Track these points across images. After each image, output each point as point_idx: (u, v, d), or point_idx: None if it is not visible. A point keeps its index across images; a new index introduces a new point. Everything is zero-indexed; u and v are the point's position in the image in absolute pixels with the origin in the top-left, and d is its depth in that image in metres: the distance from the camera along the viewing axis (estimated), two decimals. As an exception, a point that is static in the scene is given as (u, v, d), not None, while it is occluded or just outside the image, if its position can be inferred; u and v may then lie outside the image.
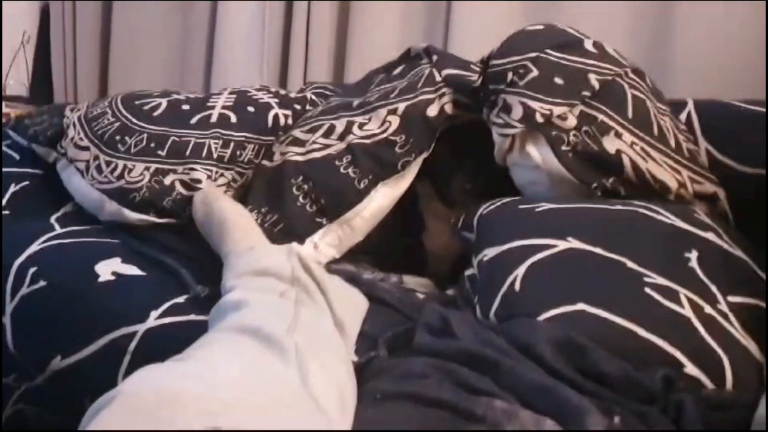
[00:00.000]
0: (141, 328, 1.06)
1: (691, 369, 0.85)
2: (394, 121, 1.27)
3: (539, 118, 1.15)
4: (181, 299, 1.10)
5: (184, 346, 0.76)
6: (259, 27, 2.19)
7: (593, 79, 1.18)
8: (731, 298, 0.93)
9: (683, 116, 1.33)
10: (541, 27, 1.28)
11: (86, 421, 0.58)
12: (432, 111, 1.27)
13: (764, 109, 1.29)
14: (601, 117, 1.16)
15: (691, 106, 1.36)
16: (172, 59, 2.40)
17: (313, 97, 1.50)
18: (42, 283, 1.17)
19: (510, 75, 1.19)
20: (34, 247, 1.24)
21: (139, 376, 0.62)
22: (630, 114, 1.17)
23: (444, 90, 1.29)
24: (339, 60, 2.16)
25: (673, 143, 1.19)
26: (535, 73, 1.18)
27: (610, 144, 1.14)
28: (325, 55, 2.13)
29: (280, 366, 0.69)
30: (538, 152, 1.15)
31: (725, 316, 0.91)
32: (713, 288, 0.94)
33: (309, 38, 2.13)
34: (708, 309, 0.90)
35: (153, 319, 1.06)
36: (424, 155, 1.28)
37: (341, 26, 2.15)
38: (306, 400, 0.65)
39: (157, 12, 2.40)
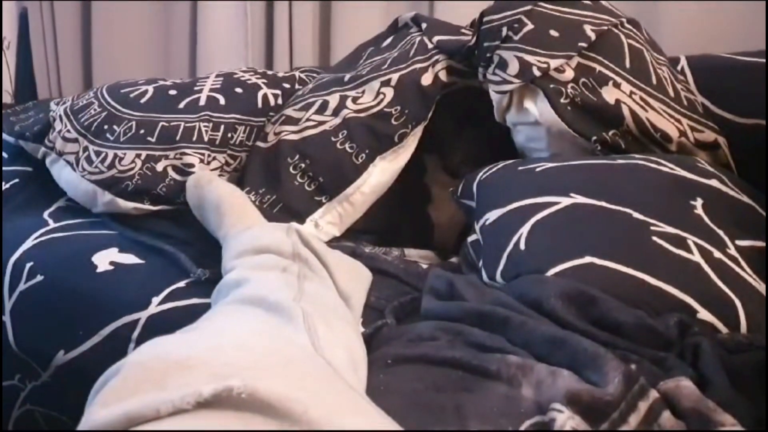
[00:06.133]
0: (143, 315, 1.04)
1: (704, 314, 0.84)
2: (388, 93, 1.25)
3: (536, 72, 1.13)
4: (181, 284, 1.08)
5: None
6: (241, 26, 2.17)
7: (589, 29, 1.16)
8: (740, 242, 0.92)
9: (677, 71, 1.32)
10: (534, -20, 1.27)
11: (94, 393, 0.57)
12: (426, 79, 1.25)
13: (757, 59, 1.28)
14: (598, 68, 1.14)
15: (684, 61, 1.35)
16: (155, 56, 2.37)
17: (302, 76, 1.48)
18: (39, 277, 1.15)
19: (504, 30, 1.18)
20: (29, 243, 1.22)
21: (145, 346, 0.60)
22: (628, 64, 1.15)
23: (437, 57, 1.27)
24: (324, 54, 2.14)
25: (671, 92, 1.18)
26: (529, 26, 1.17)
27: (609, 95, 1.12)
28: (309, 51, 2.11)
29: (288, 329, 0.67)
30: (536, 107, 1.14)
31: (735, 260, 0.89)
32: (721, 233, 0.93)
33: (292, 37, 2.11)
34: (717, 254, 0.89)
35: (155, 306, 1.05)
36: (422, 125, 1.26)
37: (323, 22, 2.12)
38: (318, 360, 0.63)
39: (137, 10, 2.37)
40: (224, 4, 2.19)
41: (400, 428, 0.57)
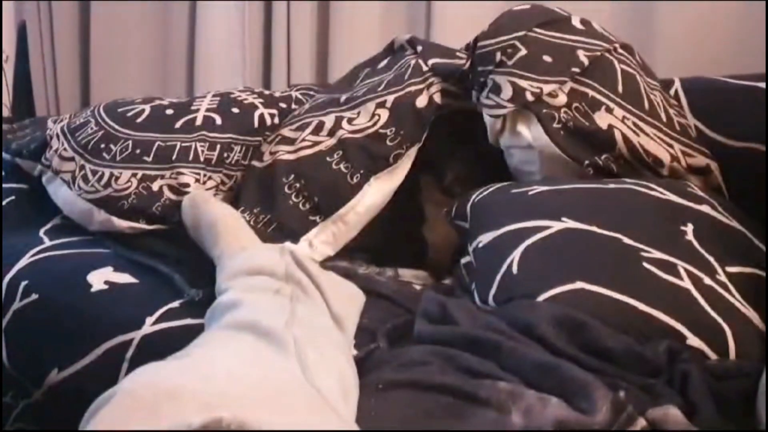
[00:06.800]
0: (137, 335, 1.04)
1: (693, 341, 0.84)
2: (384, 114, 1.26)
3: (529, 97, 1.15)
4: (175, 304, 1.09)
5: (181, 350, 0.75)
6: (238, 28, 2.19)
7: (582, 55, 1.18)
8: (729, 269, 0.93)
9: (671, 94, 1.33)
10: (527, 6, 1.28)
11: (86, 421, 0.57)
12: (421, 102, 1.26)
13: (751, 82, 1.29)
14: (591, 93, 1.15)
15: (677, 84, 1.36)
16: (153, 65, 2.38)
17: (299, 95, 1.49)
18: (34, 296, 1.15)
19: (498, 55, 1.19)
20: (24, 261, 1.22)
21: (136, 374, 0.61)
22: (620, 89, 1.17)
23: (432, 80, 1.28)
24: (322, 59, 2.15)
25: (664, 117, 1.19)
26: (523, 51, 1.18)
27: (602, 119, 1.13)
28: (307, 53, 2.12)
29: (279, 358, 0.68)
30: (530, 131, 1.15)
31: (725, 287, 0.90)
32: (711, 259, 0.93)
33: (290, 38, 2.12)
34: (707, 280, 0.90)
35: (148, 326, 1.05)
36: (417, 147, 1.27)
37: (322, 25, 2.14)
38: (308, 389, 0.64)
39: (135, 19, 2.38)
40: (223, 5, 2.20)
41: None
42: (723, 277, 0.91)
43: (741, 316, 0.88)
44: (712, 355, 0.84)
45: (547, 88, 1.14)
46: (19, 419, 1.13)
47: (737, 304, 0.89)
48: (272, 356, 0.69)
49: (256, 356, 0.68)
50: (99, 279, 1.15)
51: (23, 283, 1.17)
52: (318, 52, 2.17)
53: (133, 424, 0.52)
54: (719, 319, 0.86)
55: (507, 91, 1.16)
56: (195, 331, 0.86)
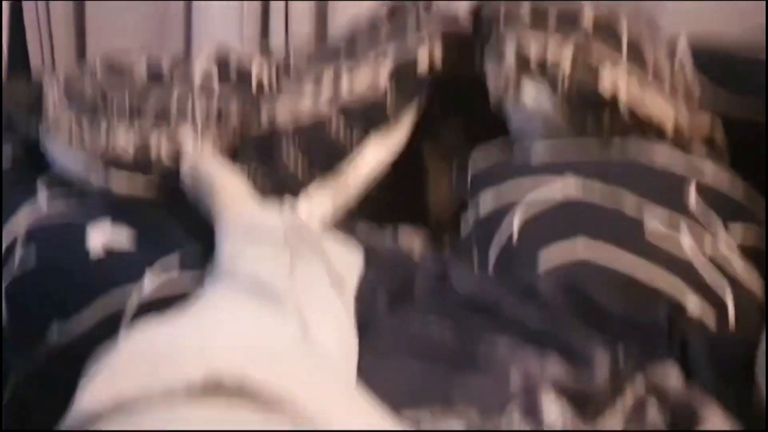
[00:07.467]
0: (136, 292, 1.04)
1: (693, 306, 0.85)
2: (384, 73, 1.24)
3: (533, 58, 1.13)
4: (174, 261, 1.08)
5: (180, 308, 0.75)
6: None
7: (587, 14, 1.16)
8: (731, 236, 0.93)
9: (676, 53, 1.31)
10: (531, -34, 1.26)
11: (85, 381, 0.57)
12: (422, 61, 1.25)
13: (758, 39, 1.26)
14: (595, 53, 1.14)
15: (683, 41, 1.33)
16: (150, 16, 2.34)
17: (298, 52, 1.47)
18: (31, 253, 1.15)
19: (502, 17, 1.17)
20: (21, 217, 1.21)
21: (136, 332, 0.61)
22: (624, 49, 1.15)
23: (434, 41, 1.26)
24: (321, 10, 2.11)
25: (668, 77, 1.17)
26: (527, 11, 1.17)
27: (606, 81, 1.12)
28: (306, 4, 2.09)
29: (279, 316, 0.68)
30: (532, 94, 1.14)
31: (725, 255, 0.90)
32: (713, 226, 0.93)
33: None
34: (708, 248, 0.90)
35: (147, 283, 1.05)
36: (417, 107, 1.26)
37: None
38: (308, 348, 0.64)
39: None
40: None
41: (387, 419, 0.58)
42: (724, 245, 0.91)
43: (741, 284, 0.88)
44: (712, 321, 0.84)
45: (551, 49, 1.13)
46: (19, 382, 1.13)
47: (738, 273, 0.89)
48: (272, 314, 0.68)
49: (256, 314, 0.68)
50: (97, 236, 1.15)
51: (20, 240, 1.16)
52: (317, 2, 2.13)
53: (133, 382, 0.52)
54: (719, 286, 0.86)
55: (510, 54, 1.15)
56: (194, 290, 0.86)
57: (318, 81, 1.28)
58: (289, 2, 2.08)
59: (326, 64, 1.31)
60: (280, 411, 0.51)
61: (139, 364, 0.54)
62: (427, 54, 1.26)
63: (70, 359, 1.03)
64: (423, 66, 1.25)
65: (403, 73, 1.24)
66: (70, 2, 2.40)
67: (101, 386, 0.53)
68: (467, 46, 1.25)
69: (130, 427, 0.49)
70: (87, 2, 2.35)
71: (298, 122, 1.25)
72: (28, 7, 2.42)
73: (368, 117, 1.23)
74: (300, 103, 1.27)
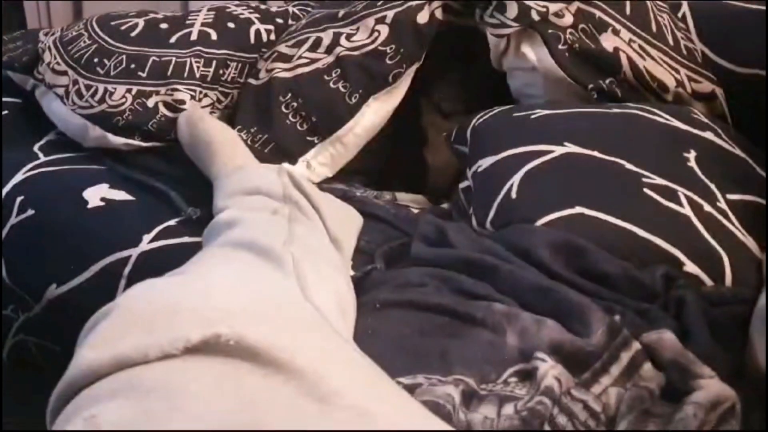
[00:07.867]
0: (134, 252, 1.05)
1: (690, 267, 0.85)
2: (383, 31, 1.22)
3: (535, 16, 1.12)
4: (172, 222, 1.08)
5: (178, 267, 0.75)
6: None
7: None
8: (730, 196, 0.93)
9: (678, 17, 1.29)
10: None
11: (83, 335, 0.57)
12: (422, 18, 1.22)
13: (760, 6, 1.25)
14: (598, 14, 1.13)
15: (685, 6, 1.32)
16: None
17: (296, 11, 1.45)
18: (30, 211, 1.15)
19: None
20: (19, 177, 1.21)
21: (134, 289, 0.61)
22: (628, 11, 1.14)
23: (433, -6, 1.24)
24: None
25: (671, 41, 1.16)
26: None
27: (608, 42, 1.11)
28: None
29: (277, 275, 0.68)
30: (534, 52, 1.12)
31: (724, 214, 0.90)
32: (712, 186, 0.93)
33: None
34: (707, 207, 0.90)
35: (146, 243, 1.05)
36: (416, 65, 1.24)
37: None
38: (306, 306, 0.64)
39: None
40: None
41: (384, 378, 0.58)
42: (723, 205, 0.91)
43: (739, 244, 0.88)
44: (709, 282, 0.84)
45: (554, 8, 1.11)
46: (20, 331, 1.15)
47: (736, 231, 0.89)
48: (270, 274, 0.69)
49: (255, 273, 0.68)
50: (95, 195, 1.15)
51: (19, 199, 1.16)
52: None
53: (132, 340, 0.52)
54: (717, 246, 0.86)
55: (512, 10, 1.13)
56: (192, 250, 0.86)
57: (317, 37, 1.26)
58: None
59: (326, 18, 1.29)
60: (277, 369, 0.51)
61: (138, 324, 0.54)
62: (427, 4, 1.24)
63: (70, 307, 1.05)
64: (423, 17, 1.23)
65: (403, 24, 1.22)
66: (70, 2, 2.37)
67: (99, 343, 0.54)
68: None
69: (129, 384, 0.50)
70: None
71: (297, 80, 1.23)
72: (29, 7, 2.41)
73: (367, 72, 1.21)
74: (299, 60, 1.25)
